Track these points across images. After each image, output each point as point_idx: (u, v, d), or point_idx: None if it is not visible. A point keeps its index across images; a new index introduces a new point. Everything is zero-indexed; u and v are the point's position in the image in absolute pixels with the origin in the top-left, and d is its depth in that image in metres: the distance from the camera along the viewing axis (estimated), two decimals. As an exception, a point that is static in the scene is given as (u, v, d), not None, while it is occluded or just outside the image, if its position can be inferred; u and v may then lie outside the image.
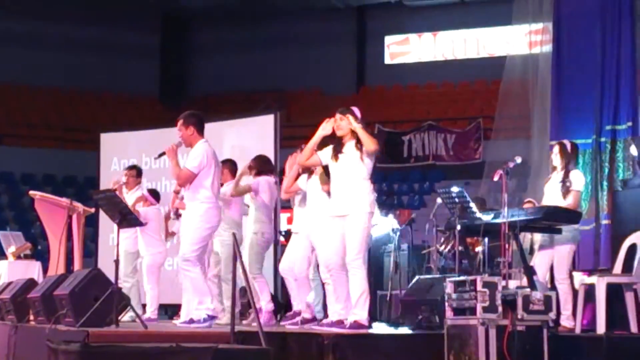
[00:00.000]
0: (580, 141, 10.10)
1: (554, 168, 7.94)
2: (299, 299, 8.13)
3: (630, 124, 9.99)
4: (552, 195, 7.84)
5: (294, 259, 8.14)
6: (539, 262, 7.89)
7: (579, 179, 7.79)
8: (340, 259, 6.96)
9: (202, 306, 7.39)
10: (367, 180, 6.98)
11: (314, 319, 7.93)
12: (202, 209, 7.47)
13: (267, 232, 8.71)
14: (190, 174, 7.46)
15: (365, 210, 6.92)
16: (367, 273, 7.98)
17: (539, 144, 10.91)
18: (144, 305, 9.79)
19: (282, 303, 10.04)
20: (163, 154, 7.58)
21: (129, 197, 9.69)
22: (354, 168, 6.94)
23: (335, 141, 7.08)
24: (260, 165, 8.79)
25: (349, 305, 6.99)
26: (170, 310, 11.88)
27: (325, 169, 7.33)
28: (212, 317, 7.38)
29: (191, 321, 7.44)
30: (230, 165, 9.05)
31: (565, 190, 7.72)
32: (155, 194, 10.20)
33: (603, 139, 10.11)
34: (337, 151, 7.03)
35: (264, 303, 8.56)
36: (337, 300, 7.14)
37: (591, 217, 9.85)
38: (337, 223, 6.98)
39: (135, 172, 10.16)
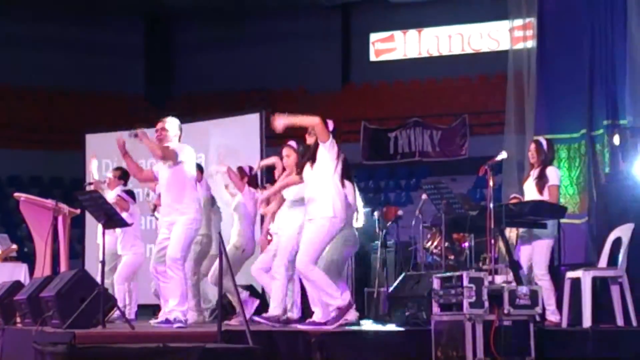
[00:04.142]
0: (564, 136, 10.12)
1: (532, 165, 7.99)
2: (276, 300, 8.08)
3: (631, 118, 9.94)
4: (530, 192, 7.88)
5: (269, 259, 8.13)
6: (522, 256, 7.92)
7: (554, 174, 7.84)
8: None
9: (178, 307, 7.39)
10: (332, 184, 7.05)
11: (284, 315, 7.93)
12: (192, 209, 7.52)
13: (248, 248, 8.88)
14: (173, 152, 7.49)
15: (326, 215, 6.99)
16: (352, 270, 8.06)
17: (522, 139, 10.91)
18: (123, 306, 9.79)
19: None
20: (136, 135, 7.53)
21: (109, 195, 9.70)
22: (317, 172, 7.07)
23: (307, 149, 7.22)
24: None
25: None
26: (157, 311, 11.87)
27: None
28: (177, 322, 7.32)
29: (167, 321, 7.44)
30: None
31: (542, 186, 7.76)
32: (130, 195, 10.19)
33: (600, 132, 10.08)
34: (305, 158, 7.22)
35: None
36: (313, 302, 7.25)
37: (583, 212, 9.85)
38: (307, 226, 7.14)
39: (120, 173, 10.19)
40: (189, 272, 8.79)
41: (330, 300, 6.97)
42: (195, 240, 8.43)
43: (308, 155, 7.22)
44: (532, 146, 7.99)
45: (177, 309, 7.38)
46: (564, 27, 10.60)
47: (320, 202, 7.00)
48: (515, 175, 10.89)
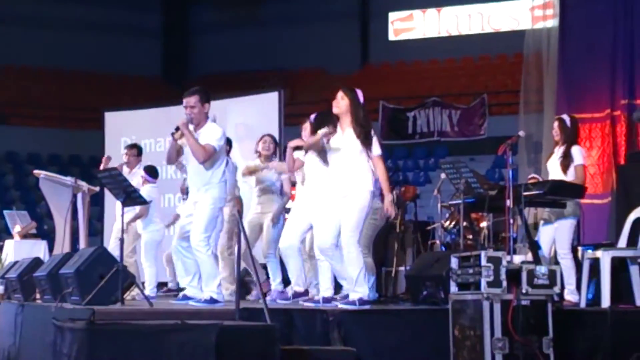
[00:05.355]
0: (585, 115, 10.07)
1: (556, 143, 7.93)
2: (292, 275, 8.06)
3: None
4: (554, 171, 7.83)
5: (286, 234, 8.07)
6: (542, 237, 7.89)
7: (580, 153, 7.77)
8: (335, 239, 6.97)
9: (207, 288, 7.36)
10: (368, 161, 6.97)
11: (306, 292, 7.93)
12: (218, 188, 7.44)
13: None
14: (214, 150, 7.33)
15: (366, 189, 6.93)
16: (372, 251, 7.99)
17: (540, 119, 10.88)
18: (142, 284, 9.83)
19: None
20: (178, 128, 7.32)
21: (131, 176, 9.69)
22: (351, 147, 6.95)
23: (333, 119, 7.09)
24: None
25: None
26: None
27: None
28: (215, 301, 7.31)
29: (185, 297, 7.44)
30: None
31: (566, 166, 7.71)
32: (153, 171, 10.17)
33: (618, 112, 10.01)
34: (334, 129, 7.05)
35: (276, 283, 8.58)
36: (340, 278, 7.20)
37: (605, 192, 9.80)
38: (337, 203, 6.98)
39: (136, 151, 10.20)
40: (221, 248, 8.86)
41: (356, 287, 6.93)
42: (226, 219, 8.59)
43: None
44: (556, 124, 7.92)
45: (207, 289, 7.30)
46: (586, 6, 10.54)
47: (360, 176, 6.92)
48: (525, 155, 10.87)
